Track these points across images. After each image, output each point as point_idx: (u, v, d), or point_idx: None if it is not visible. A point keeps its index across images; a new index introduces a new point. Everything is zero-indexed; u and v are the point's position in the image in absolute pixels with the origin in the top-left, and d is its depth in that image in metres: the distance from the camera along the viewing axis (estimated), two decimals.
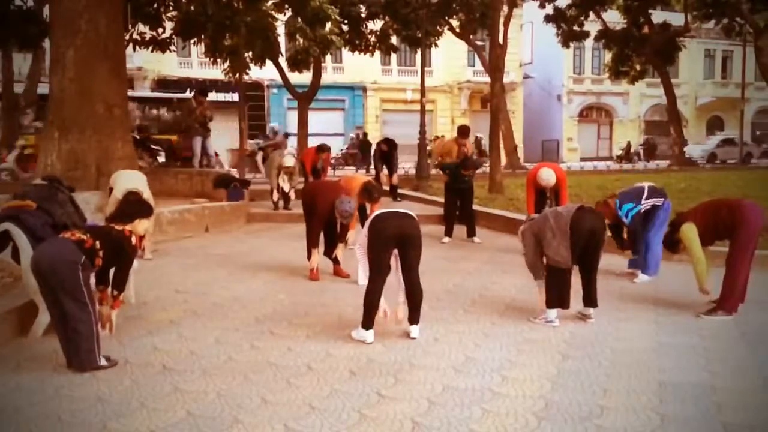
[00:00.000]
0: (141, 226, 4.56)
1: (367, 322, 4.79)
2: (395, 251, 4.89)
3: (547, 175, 7.98)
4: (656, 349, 4.69)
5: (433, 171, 16.01)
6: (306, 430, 3.38)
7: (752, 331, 5.08)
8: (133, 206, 4.72)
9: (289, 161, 11.45)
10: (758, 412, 3.64)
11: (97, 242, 4.24)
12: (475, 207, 9.92)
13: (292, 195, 11.39)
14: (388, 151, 13.65)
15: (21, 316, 4.93)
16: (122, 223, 4.50)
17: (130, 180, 7.23)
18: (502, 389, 3.92)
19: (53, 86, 10.10)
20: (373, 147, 16.35)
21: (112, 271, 4.51)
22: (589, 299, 5.39)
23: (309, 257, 6.94)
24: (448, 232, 9.35)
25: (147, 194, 7.12)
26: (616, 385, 3.99)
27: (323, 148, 12.17)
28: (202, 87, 18.91)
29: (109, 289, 4.52)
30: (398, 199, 13.26)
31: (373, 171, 15.53)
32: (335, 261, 7.05)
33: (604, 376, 4.15)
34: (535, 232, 5.42)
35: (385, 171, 13.81)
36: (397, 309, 4.98)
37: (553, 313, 5.28)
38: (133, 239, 4.44)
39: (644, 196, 6.77)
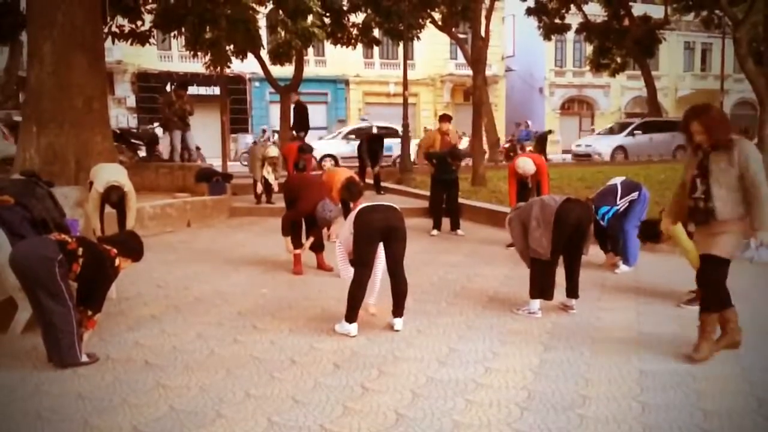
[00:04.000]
0: (125, 263, 4.50)
1: (351, 316, 4.79)
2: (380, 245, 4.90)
3: (524, 163, 8.00)
4: (637, 338, 4.74)
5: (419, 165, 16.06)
6: (290, 423, 3.38)
7: None
8: (134, 243, 4.63)
9: (273, 151, 11.41)
10: (737, 400, 3.69)
11: (81, 249, 4.19)
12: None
13: (276, 187, 11.34)
14: (377, 146, 13.70)
15: (0, 313, 4.87)
16: (114, 246, 4.45)
17: (111, 173, 7.14)
18: (485, 380, 3.95)
19: (31, 80, 9.95)
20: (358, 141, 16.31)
21: None
22: (572, 290, 5.43)
23: (288, 247, 6.90)
24: (437, 225, 9.34)
25: (129, 187, 7.04)
26: (597, 375, 4.03)
27: (305, 149, 12.13)
28: (183, 81, 18.73)
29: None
30: (381, 192, 13.26)
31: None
32: (316, 251, 7.03)
33: (586, 366, 4.18)
34: (523, 220, 5.45)
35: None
36: (368, 304, 5.01)
37: (535, 304, 5.32)
38: (117, 262, 4.39)
39: (619, 196, 6.79)
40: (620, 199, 6.75)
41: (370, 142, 13.76)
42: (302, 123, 17.11)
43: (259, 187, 11.49)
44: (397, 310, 4.93)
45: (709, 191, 4.17)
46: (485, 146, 19.66)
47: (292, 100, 16.31)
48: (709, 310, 4.31)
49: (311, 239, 6.92)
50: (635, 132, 26.22)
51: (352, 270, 5.00)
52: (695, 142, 4.25)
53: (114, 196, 6.94)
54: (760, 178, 4.05)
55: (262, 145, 12.03)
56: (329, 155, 23.09)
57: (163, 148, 16.69)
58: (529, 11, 26.39)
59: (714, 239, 4.21)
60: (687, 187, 4.39)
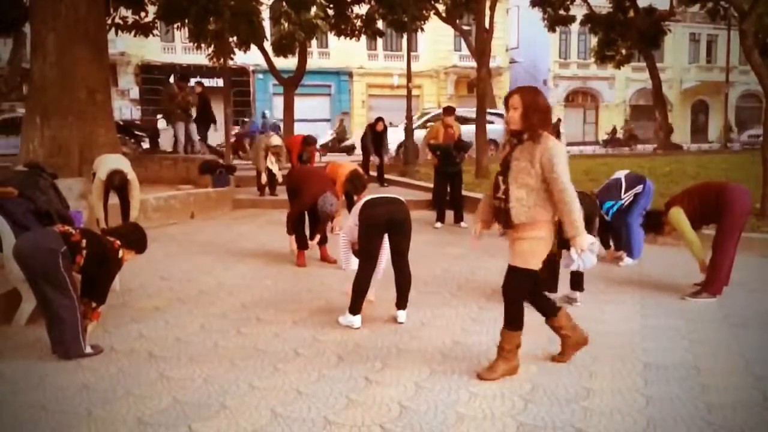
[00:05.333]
0: (128, 255, 4.51)
1: (355, 308, 4.79)
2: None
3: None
4: (641, 331, 4.73)
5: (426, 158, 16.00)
6: (293, 415, 3.38)
7: (735, 314, 5.13)
8: (137, 235, 4.62)
9: (276, 140, 11.43)
10: (741, 393, 3.68)
11: (84, 241, 4.20)
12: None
13: (279, 178, 11.32)
14: (383, 132, 13.61)
15: (4, 304, 4.89)
16: (118, 238, 4.44)
17: (114, 162, 7.14)
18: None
19: (34, 71, 9.96)
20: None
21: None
22: (576, 283, 5.42)
23: (292, 246, 6.93)
24: (440, 218, 9.32)
25: (132, 175, 7.04)
26: (601, 368, 4.02)
27: (309, 141, 12.14)
28: (185, 72, 18.69)
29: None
30: (385, 184, 13.23)
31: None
32: (321, 244, 7.04)
33: (590, 358, 4.17)
34: None
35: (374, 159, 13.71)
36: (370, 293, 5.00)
37: None
38: (120, 254, 4.39)
39: (623, 189, 6.72)
40: (625, 192, 6.70)
41: (375, 132, 13.71)
42: (204, 115, 15.56)
43: (263, 178, 11.47)
44: (401, 303, 4.92)
45: (508, 191, 3.73)
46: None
47: (196, 91, 15.35)
48: (509, 327, 3.88)
49: (318, 237, 6.93)
50: (427, 126, 23.60)
51: (355, 261, 4.99)
52: (508, 125, 3.80)
53: (117, 180, 6.93)
54: (564, 181, 3.59)
55: (266, 135, 12.03)
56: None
57: (166, 140, 16.65)
58: (534, 2, 26.25)
59: (513, 246, 3.80)
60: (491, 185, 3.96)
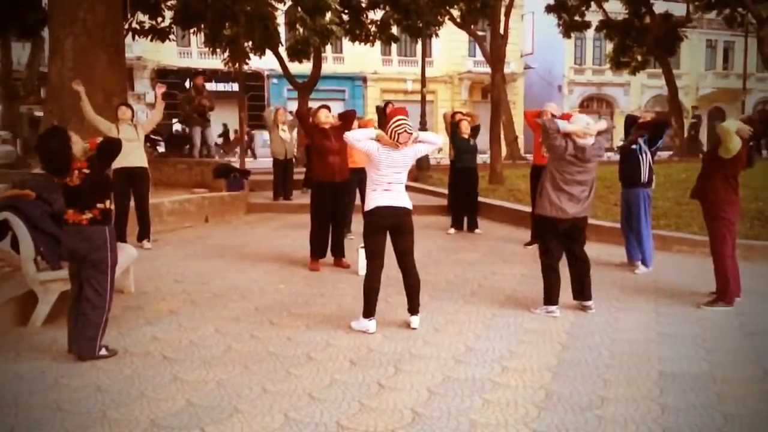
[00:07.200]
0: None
1: (368, 310, 4.79)
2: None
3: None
4: (656, 339, 4.69)
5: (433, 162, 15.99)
6: (306, 419, 3.37)
7: (752, 322, 5.08)
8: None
9: (287, 116, 12.05)
10: (758, 403, 3.63)
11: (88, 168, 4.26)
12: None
13: (295, 150, 11.80)
14: None
15: (21, 305, 4.93)
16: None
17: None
18: (502, 379, 3.92)
19: (52, 75, 10.06)
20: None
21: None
22: (580, 291, 5.38)
23: (312, 254, 6.94)
24: (455, 224, 9.26)
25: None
26: (616, 376, 3.98)
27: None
28: (199, 72, 18.83)
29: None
30: None
31: None
32: (336, 255, 7.06)
33: (605, 366, 4.14)
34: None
35: None
36: None
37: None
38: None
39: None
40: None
41: None
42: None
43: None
44: (412, 307, 4.91)
45: None
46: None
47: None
48: None
49: (342, 261, 7.01)
50: None
51: None
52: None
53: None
54: None
55: (276, 112, 12.20)
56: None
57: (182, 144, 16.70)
58: (549, 9, 26.20)
59: None
60: None
